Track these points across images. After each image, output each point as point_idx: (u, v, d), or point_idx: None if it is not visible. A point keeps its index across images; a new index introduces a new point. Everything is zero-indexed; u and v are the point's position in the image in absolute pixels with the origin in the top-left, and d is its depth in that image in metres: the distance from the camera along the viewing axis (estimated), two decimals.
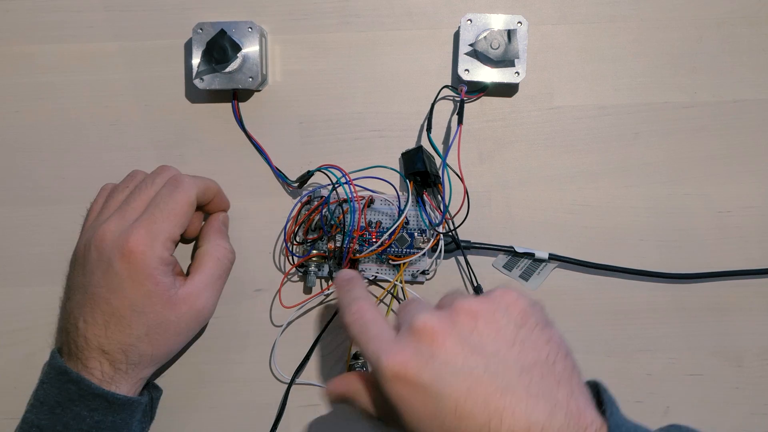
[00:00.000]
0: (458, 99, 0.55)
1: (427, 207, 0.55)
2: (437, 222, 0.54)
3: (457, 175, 0.52)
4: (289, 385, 0.56)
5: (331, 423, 0.57)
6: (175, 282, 0.51)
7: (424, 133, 0.55)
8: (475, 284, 0.56)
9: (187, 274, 0.54)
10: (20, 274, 0.58)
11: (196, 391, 0.58)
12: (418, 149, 0.54)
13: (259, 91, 0.58)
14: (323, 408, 0.57)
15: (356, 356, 0.56)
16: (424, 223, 0.55)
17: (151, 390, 0.55)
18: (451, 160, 0.55)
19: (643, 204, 0.56)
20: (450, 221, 0.55)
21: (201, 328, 0.56)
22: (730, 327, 0.57)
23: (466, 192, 0.53)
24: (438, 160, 0.55)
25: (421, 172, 0.54)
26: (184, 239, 0.56)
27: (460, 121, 0.54)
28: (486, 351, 0.39)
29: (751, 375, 0.57)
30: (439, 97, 0.56)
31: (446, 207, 0.53)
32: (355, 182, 0.55)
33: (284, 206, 0.57)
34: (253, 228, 0.58)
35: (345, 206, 0.55)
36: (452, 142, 0.54)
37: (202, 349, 0.57)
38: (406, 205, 0.54)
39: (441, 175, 0.53)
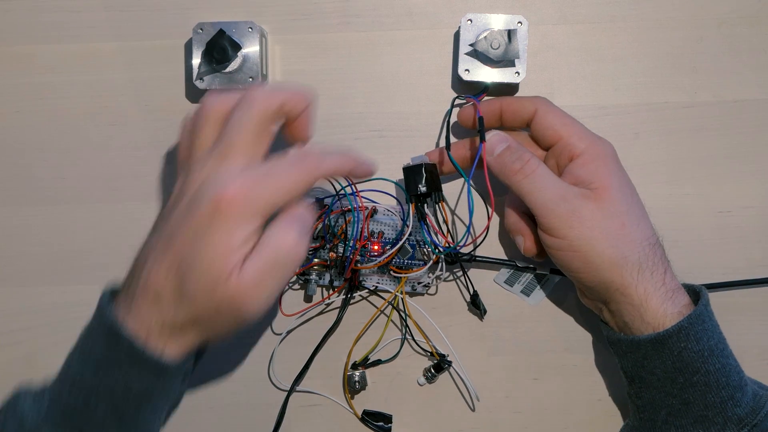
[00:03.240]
0: (479, 120, 0.52)
1: (431, 231, 0.53)
2: (448, 248, 0.53)
3: (484, 200, 0.51)
4: (289, 393, 0.56)
5: (332, 423, 0.57)
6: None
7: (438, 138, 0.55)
8: (472, 291, 0.56)
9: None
10: (20, 274, 0.58)
11: (195, 391, 0.57)
12: (419, 168, 0.51)
13: None
14: (324, 408, 0.58)
15: (354, 366, 0.56)
16: (430, 247, 0.54)
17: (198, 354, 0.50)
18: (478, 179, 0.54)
19: (643, 204, 0.56)
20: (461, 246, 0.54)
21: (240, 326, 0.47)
22: (730, 327, 0.57)
23: (489, 218, 0.54)
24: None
25: (424, 194, 0.51)
26: None
27: (482, 139, 0.50)
28: None
29: (751, 375, 0.56)
30: (437, 93, 0.56)
31: (467, 232, 0.52)
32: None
33: None
34: None
35: (348, 216, 0.55)
36: (476, 161, 0.50)
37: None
38: (404, 224, 0.54)
39: (468, 198, 0.51)
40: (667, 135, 0.57)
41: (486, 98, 0.55)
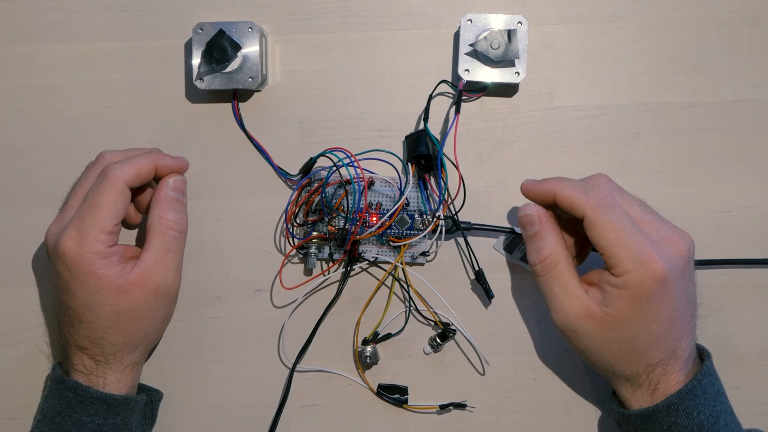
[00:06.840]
0: (457, 93, 0.55)
1: (428, 191, 0.55)
2: (436, 208, 0.54)
3: (453, 163, 0.53)
4: (291, 370, 0.56)
5: (331, 423, 0.57)
6: (124, 269, 0.50)
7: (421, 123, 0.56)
8: (477, 268, 0.56)
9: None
10: (20, 274, 0.58)
11: (196, 391, 0.58)
12: (422, 132, 0.55)
13: (259, 91, 0.58)
14: (323, 408, 0.58)
15: (365, 341, 0.56)
16: (425, 206, 0.55)
17: (150, 392, 0.55)
18: (448, 150, 0.55)
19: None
20: (451, 205, 0.55)
21: (170, 305, 0.54)
22: (731, 327, 0.57)
23: (462, 179, 0.54)
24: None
25: (423, 155, 0.54)
26: (129, 225, 0.57)
27: (457, 110, 0.54)
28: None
29: (751, 375, 0.57)
30: (438, 92, 0.56)
31: (444, 188, 0.54)
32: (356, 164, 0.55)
33: (284, 206, 0.57)
34: (253, 228, 0.58)
35: (347, 187, 0.55)
36: (449, 130, 0.55)
37: (203, 349, 0.58)
38: (406, 187, 0.54)
39: (437, 163, 0.54)
40: (667, 135, 0.57)
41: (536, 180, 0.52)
